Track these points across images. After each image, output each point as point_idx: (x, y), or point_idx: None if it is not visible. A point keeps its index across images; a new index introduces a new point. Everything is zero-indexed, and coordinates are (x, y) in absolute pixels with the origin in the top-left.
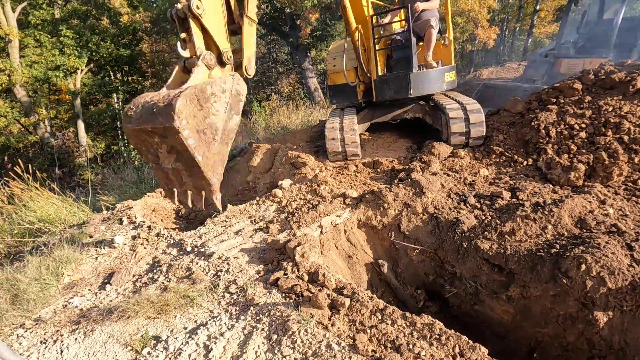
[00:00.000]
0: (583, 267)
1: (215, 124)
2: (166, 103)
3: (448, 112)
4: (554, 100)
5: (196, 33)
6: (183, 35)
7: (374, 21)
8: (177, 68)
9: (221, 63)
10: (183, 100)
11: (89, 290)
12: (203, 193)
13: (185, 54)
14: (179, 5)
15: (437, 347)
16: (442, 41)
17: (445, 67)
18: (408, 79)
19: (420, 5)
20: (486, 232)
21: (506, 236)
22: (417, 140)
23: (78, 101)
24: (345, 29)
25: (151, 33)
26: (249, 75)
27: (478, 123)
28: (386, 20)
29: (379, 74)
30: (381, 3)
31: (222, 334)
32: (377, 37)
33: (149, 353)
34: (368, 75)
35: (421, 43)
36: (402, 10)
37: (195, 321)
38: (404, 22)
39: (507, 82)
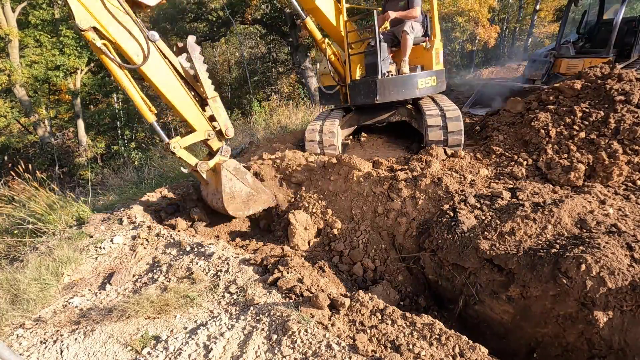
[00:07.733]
0: (583, 267)
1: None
2: None
3: (427, 118)
4: (554, 100)
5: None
6: None
7: (347, 27)
8: None
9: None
10: None
11: (89, 290)
12: None
13: None
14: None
15: (437, 347)
16: (424, 44)
17: (422, 73)
18: (375, 85)
19: (391, 14)
20: (486, 232)
21: (506, 236)
22: (418, 138)
23: (78, 101)
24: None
25: None
26: (229, 136)
27: (456, 132)
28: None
29: (352, 78)
30: (360, 6)
31: (222, 334)
32: (351, 42)
33: (149, 353)
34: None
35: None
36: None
37: (195, 321)
38: (387, 27)
39: (507, 82)
